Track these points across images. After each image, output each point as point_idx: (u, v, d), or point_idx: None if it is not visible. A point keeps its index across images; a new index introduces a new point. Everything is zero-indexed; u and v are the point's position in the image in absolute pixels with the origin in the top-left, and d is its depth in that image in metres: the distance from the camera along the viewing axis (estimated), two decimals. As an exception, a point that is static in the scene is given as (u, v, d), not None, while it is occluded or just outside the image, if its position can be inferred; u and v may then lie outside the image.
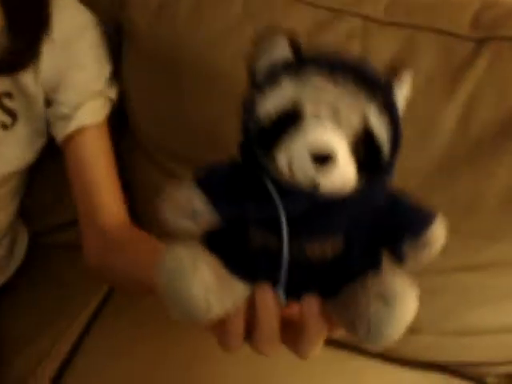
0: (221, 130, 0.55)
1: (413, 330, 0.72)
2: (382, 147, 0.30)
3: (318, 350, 0.35)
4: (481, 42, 0.64)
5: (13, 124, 0.69)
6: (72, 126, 0.70)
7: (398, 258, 0.33)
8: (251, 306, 0.34)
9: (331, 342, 0.75)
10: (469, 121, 0.63)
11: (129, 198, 0.87)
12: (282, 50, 0.29)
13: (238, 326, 0.34)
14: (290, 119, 0.29)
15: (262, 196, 0.30)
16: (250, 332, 0.35)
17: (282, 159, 0.29)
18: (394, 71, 0.32)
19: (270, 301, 0.33)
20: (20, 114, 0.69)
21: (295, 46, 0.30)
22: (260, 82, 0.30)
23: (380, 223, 0.33)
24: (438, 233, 0.33)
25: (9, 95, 0.68)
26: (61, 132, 0.71)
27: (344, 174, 0.28)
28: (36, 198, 0.84)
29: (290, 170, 0.28)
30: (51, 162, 0.78)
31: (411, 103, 0.62)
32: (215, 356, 0.65)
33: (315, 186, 0.28)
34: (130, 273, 0.61)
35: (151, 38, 0.73)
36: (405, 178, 0.64)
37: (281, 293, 0.32)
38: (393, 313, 0.31)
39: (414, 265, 0.33)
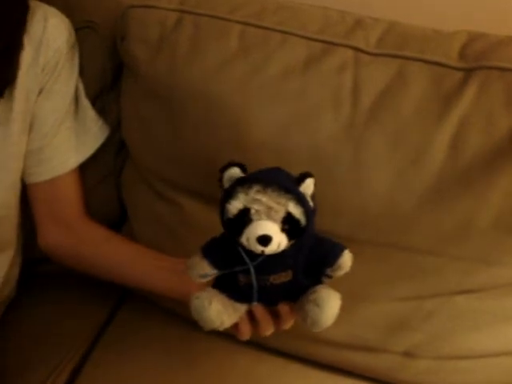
0: (217, 159, 0.56)
1: (409, 354, 0.74)
2: (300, 221, 0.51)
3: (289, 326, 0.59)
4: (469, 72, 0.66)
5: None
6: None
7: (324, 276, 0.55)
8: (251, 316, 0.58)
9: (333, 370, 0.76)
10: (460, 146, 0.64)
11: (126, 223, 0.88)
12: (235, 172, 0.52)
13: (247, 327, 0.59)
14: (243, 216, 0.50)
15: (239, 256, 0.52)
16: (254, 328, 0.59)
17: (243, 239, 0.50)
18: (303, 177, 0.52)
19: (261, 311, 0.57)
20: None
21: (243, 168, 0.52)
22: (226, 192, 0.51)
23: (310, 257, 0.54)
24: (346, 258, 0.53)
25: None
26: None
27: (279, 242, 0.50)
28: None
29: (248, 245, 0.50)
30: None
31: (403, 130, 0.65)
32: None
33: (262, 252, 0.50)
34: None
35: (150, 70, 0.75)
36: (397, 201, 0.66)
37: (255, 302, 0.55)
38: (321, 310, 0.52)
39: (333, 279, 0.54)
